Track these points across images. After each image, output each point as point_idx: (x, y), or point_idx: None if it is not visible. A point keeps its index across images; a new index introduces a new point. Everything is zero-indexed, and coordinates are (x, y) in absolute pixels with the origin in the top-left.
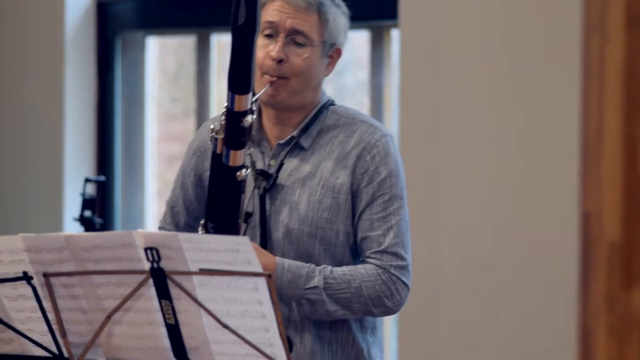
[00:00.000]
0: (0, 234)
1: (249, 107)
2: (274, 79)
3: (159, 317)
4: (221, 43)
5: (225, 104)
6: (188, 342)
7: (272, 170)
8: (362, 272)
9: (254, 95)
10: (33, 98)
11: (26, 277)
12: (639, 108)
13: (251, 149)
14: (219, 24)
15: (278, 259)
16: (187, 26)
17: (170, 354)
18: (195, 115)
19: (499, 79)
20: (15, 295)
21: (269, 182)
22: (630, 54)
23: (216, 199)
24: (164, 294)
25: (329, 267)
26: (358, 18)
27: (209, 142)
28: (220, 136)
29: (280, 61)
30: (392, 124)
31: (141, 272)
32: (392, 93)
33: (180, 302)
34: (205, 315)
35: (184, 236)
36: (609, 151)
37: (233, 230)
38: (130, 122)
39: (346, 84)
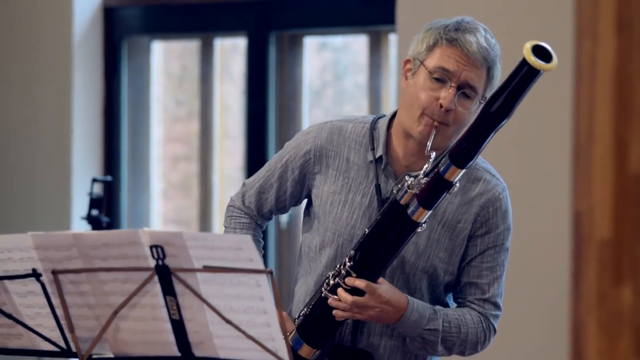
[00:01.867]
0: (10, 232)
1: (457, 180)
2: (436, 123)
3: (164, 312)
4: (224, 47)
5: (427, 166)
6: (192, 336)
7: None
8: (468, 319)
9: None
10: (42, 100)
11: (35, 274)
12: (629, 109)
13: (383, 166)
14: (221, 29)
15: (409, 298)
16: (191, 31)
17: (175, 348)
18: (199, 117)
19: None
20: (24, 292)
21: None
22: (620, 57)
23: (379, 241)
24: (169, 290)
25: (443, 309)
26: (357, 23)
27: (334, 149)
28: (413, 191)
29: (448, 110)
30: None
31: (147, 269)
32: (390, 95)
33: (185, 298)
34: (209, 311)
35: (188, 234)
36: (600, 152)
37: (379, 271)
38: (136, 123)
39: (346, 87)
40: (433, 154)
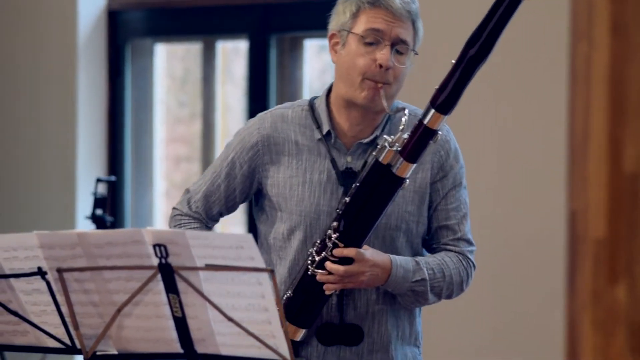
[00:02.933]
0: (16, 231)
1: (440, 127)
2: (381, 85)
3: (167, 310)
4: (226, 49)
5: (405, 116)
6: (194, 334)
7: (357, 169)
8: (448, 261)
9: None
10: (48, 102)
11: (41, 273)
12: (623, 111)
13: (332, 142)
14: (223, 32)
15: (391, 256)
16: (194, 34)
17: (178, 345)
18: (201, 118)
19: (491, 83)
20: (30, 290)
21: (355, 179)
22: (615, 60)
23: (364, 203)
24: (171, 288)
25: (424, 259)
26: None
27: (281, 135)
28: (393, 148)
29: (387, 68)
30: None
31: (150, 267)
32: None
33: (187, 296)
34: (211, 309)
35: (190, 233)
36: (595, 152)
37: (364, 236)
38: (139, 124)
39: None
40: (407, 112)
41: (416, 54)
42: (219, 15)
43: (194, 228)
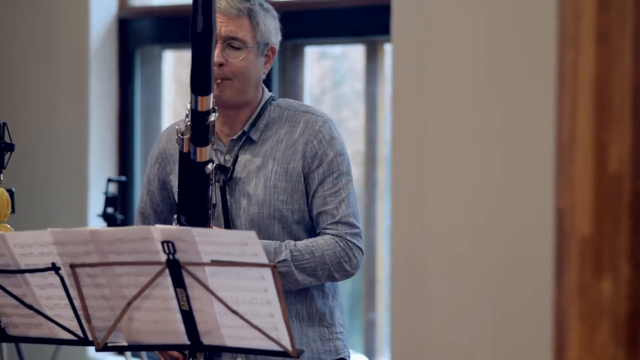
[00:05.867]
0: (31, 229)
1: (211, 107)
2: (219, 81)
3: (174, 304)
4: None
5: (189, 106)
6: (201, 326)
7: (228, 164)
8: (321, 242)
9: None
10: (61, 106)
11: (54, 268)
12: (608, 114)
13: (214, 145)
14: None
15: None
16: None
17: (185, 337)
18: None
19: (481, 88)
20: (44, 284)
21: (227, 175)
22: (600, 66)
23: (187, 194)
24: (179, 283)
25: (292, 242)
26: (354, 34)
27: (173, 146)
28: (186, 136)
29: (221, 65)
30: (385, 129)
31: (158, 263)
32: (386, 102)
33: (194, 291)
34: (217, 302)
35: (197, 231)
36: (581, 153)
37: (204, 220)
38: (148, 127)
39: (344, 93)
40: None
41: (267, 46)
42: None
43: None
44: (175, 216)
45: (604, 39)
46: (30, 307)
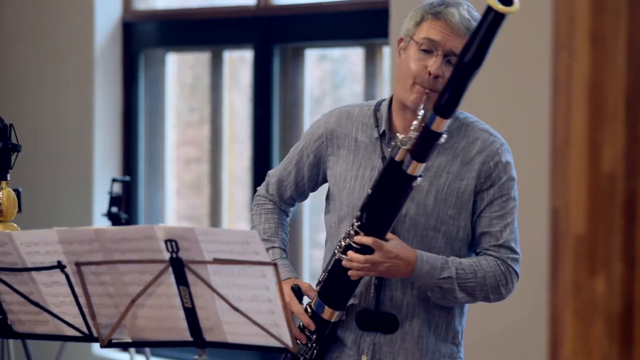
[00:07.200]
0: (37, 228)
1: (444, 130)
2: (427, 91)
3: (177, 301)
4: (232, 59)
5: (422, 123)
6: (203, 323)
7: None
8: (484, 264)
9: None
10: (66, 107)
11: (60, 266)
12: (601, 116)
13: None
14: (230, 42)
15: (417, 252)
16: (203, 44)
17: (188, 333)
18: (210, 123)
19: (478, 90)
20: (50, 282)
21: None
22: (594, 69)
23: (382, 198)
24: (182, 280)
25: (457, 259)
26: (354, 37)
27: (342, 130)
28: (406, 147)
29: (436, 77)
30: None
31: (162, 261)
32: None
33: (197, 288)
34: (219, 300)
35: (199, 229)
36: (576, 155)
37: (386, 226)
38: (152, 128)
39: (343, 95)
40: (422, 112)
41: None
42: (226, 26)
43: (268, 209)
44: (357, 214)
45: (598, 42)
46: (36, 304)
